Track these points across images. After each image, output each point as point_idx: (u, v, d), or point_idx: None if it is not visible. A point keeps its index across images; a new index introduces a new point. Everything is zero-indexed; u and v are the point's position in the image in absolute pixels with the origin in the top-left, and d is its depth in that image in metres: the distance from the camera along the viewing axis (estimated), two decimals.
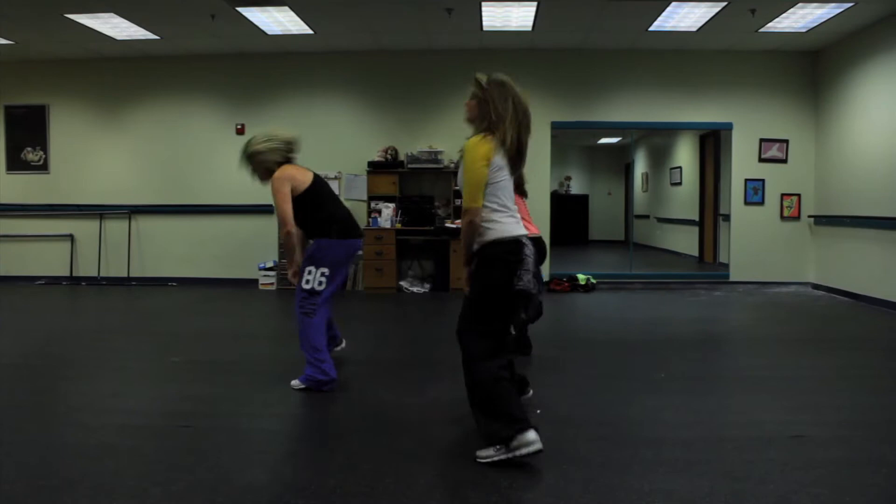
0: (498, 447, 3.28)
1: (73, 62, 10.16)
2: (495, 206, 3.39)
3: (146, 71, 10.16)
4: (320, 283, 4.59)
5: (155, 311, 8.10)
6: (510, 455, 3.23)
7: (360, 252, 4.66)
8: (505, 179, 3.42)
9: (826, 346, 6.12)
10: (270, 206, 10.00)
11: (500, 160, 3.37)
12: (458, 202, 9.67)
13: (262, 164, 4.67)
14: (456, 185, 5.87)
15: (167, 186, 10.27)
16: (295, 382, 4.66)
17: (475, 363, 3.37)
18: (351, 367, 5.06)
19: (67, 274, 10.33)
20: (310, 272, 4.59)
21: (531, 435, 3.22)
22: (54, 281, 10.28)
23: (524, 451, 3.21)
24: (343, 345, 5.19)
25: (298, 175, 4.62)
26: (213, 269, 10.19)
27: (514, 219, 3.46)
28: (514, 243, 3.38)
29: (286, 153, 4.70)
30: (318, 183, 4.71)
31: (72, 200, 10.32)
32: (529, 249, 3.42)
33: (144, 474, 3.13)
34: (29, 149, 10.36)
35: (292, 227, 4.53)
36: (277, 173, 4.59)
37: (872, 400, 4.40)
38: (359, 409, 4.27)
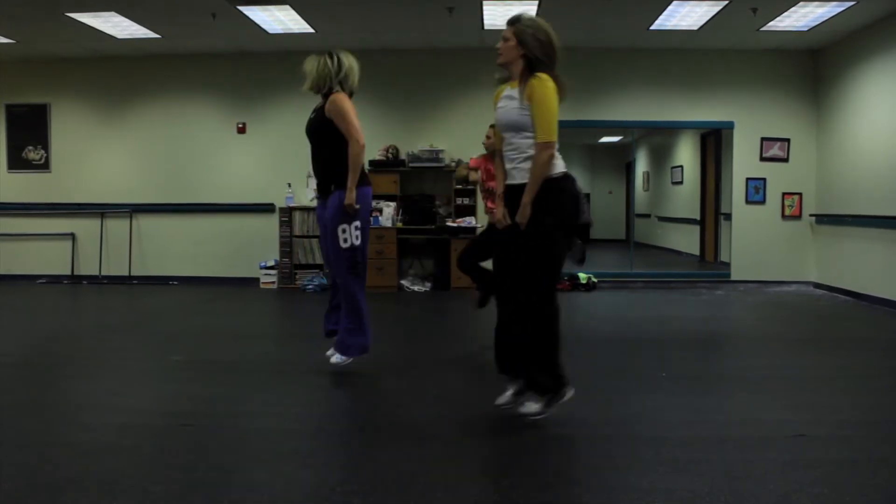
0: (547, 399, 3.64)
1: (74, 61, 10.17)
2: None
3: (147, 70, 10.16)
4: (357, 238, 4.57)
5: (156, 310, 8.10)
6: (557, 402, 3.65)
7: None
8: None
9: (827, 346, 6.12)
10: (271, 204, 10.03)
11: None
12: (458, 201, 9.67)
13: (341, 79, 4.66)
14: (466, 179, 5.92)
15: (168, 185, 10.27)
16: (337, 358, 4.67)
17: (548, 306, 3.63)
18: (351, 366, 5.04)
19: (68, 273, 10.34)
20: (344, 230, 4.54)
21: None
22: (55, 280, 10.29)
23: (566, 397, 3.67)
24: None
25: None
26: (215, 268, 10.20)
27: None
28: (572, 178, 3.63)
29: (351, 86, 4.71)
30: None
31: (73, 199, 10.33)
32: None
33: (145, 473, 3.12)
34: (30, 148, 10.36)
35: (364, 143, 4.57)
36: (343, 94, 4.61)
37: (873, 399, 4.39)
38: (359, 408, 4.27)
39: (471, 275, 5.83)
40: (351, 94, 4.72)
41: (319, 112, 4.70)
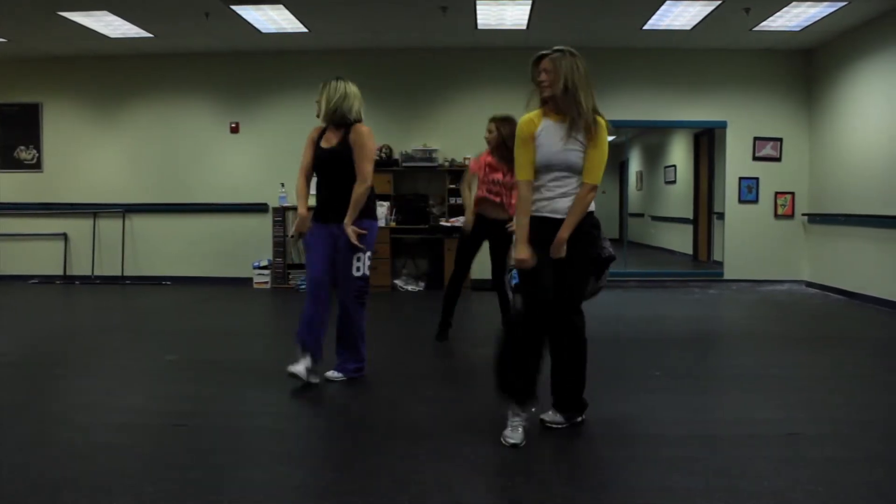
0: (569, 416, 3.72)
1: (67, 60, 10.12)
2: None
3: (140, 69, 10.13)
4: (369, 268, 4.68)
5: (149, 309, 8.08)
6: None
7: None
8: None
9: (820, 344, 6.14)
10: (265, 204, 10.01)
11: None
12: (452, 200, 9.66)
13: (350, 107, 4.59)
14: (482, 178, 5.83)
15: (161, 185, 10.24)
16: (334, 374, 4.71)
17: (584, 329, 3.74)
18: None
19: (61, 273, 10.29)
20: (359, 258, 4.60)
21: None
22: (48, 280, 10.24)
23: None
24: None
25: None
26: (208, 268, 10.17)
27: None
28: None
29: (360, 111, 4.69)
30: None
31: (65, 199, 10.29)
32: None
33: (140, 473, 3.11)
34: (22, 147, 10.32)
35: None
36: (367, 128, 4.60)
37: (867, 397, 4.42)
38: (353, 408, 4.27)
39: (450, 304, 5.94)
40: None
41: (342, 143, 4.61)
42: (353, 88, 4.62)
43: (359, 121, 4.64)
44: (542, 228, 3.54)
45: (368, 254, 4.65)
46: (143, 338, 6.38)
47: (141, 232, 10.29)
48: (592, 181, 3.52)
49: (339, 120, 4.61)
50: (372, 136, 4.63)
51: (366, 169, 4.56)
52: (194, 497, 2.87)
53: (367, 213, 4.64)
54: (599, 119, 3.51)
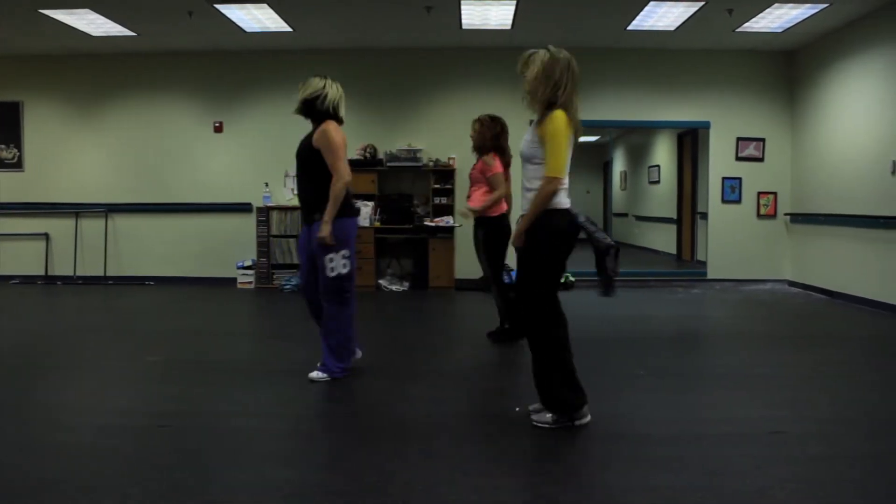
0: (557, 417, 3.65)
1: (49, 58, 10.04)
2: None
3: (123, 68, 10.06)
4: (345, 267, 4.56)
5: (132, 310, 8.02)
6: (570, 423, 3.64)
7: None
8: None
9: (803, 343, 6.19)
10: (248, 204, 9.97)
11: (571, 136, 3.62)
12: (437, 200, 9.68)
13: (321, 105, 4.55)
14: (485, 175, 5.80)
15: (144, 184, 10.17)
16: (318, 374, 4.66)
17: (532, 324, 3.73)
18: None
19: (42, 273, 10.20)
20: (331, 259, 4.52)
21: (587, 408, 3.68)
22: (29, 280, 10.15)
23: (584, 420, 3.67)
24: (359, 354, 5.09)
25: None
26: (191, 268, 10.12)
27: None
28: (571, 214, 3.68)
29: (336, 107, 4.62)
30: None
31: (47, 199, 10.20)
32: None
33: (123, 475, 3.09)
34: (2, 146, 10.22)
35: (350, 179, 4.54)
36: (334, 126, 4.53)
37: (849, 396, 4.46)
38: (339, 408, 4.26)
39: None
40: (341, 122, 4.68)
41: (308, 138, 4.60)
42: (322, 83, 4.59)
43: (331, 117, 4.58)
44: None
45: (343, 252, 4.56)
46: (125, 338, 6.34)
47: (124, 232, 10.22)
48: (546, 173, 3.55)
49: (305, 113, 4.61)
50: (338, 131, 4.53)
51: (336, 165, 4.47)
52: (179, 498, 2.85)
53: (340, 210, 4.53)
54: (553, 112, 3.56)
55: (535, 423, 3.71)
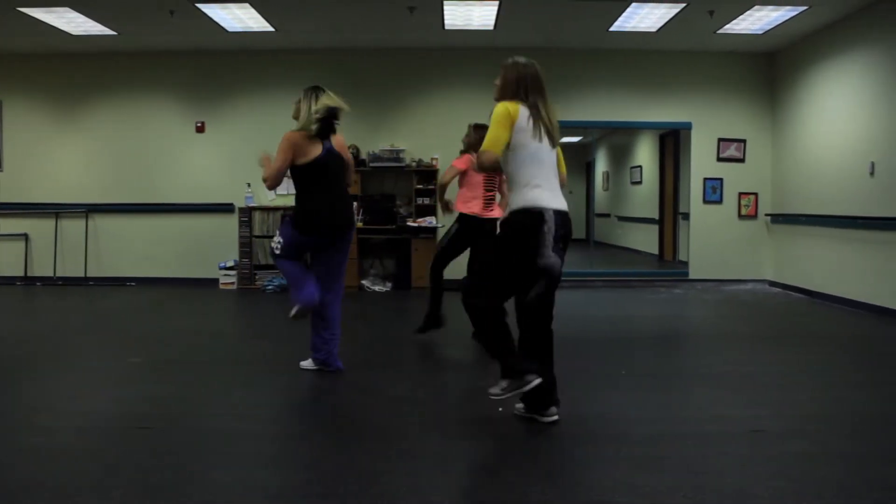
0: (506, 383, 3.62)
1: (27, 57, 9.94)
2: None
3: (103, 67, 9.98)
4: (277, 246, 4.78)
5: (113, 311, 7.96)
6: (519, 388, 3.61)
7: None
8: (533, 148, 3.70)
9: (783, 343, 6.24)
10: (230, 204, 9.93)
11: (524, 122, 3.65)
12: (420, 201, 9.68)
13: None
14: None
15: (125, 184, 10.10)
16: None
17: (475, 311, 3.74)
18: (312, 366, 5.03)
19: (22, 274, 10.11)
20: (273, 240, 4.87)
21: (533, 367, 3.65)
22: (8, 281, 10.04)
23: (532, 384, 3.59)
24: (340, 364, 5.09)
25: (306, 146, 4.63)
26: (173, 269, 10.05)
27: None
28: (533, 214, 3.66)
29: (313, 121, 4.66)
30: (320, 164, 4.69)
31: (26, 199, 10.09)
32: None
33: (102, 477, 3.07)
34: None
35: (272, 182, 4.65)
36: (289, 133, 4.64)
37: (829, 394, 4.50)
38: (321, 408, 4.25)
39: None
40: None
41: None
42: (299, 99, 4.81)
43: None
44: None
45: (279, 239, 4.81)
46: (106, 340, 6.29)
47: (104, 232, 10.14)
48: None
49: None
50: (285, 140, 4.64)
51: (269, 174, 4.68)
52: (160, 500, 2.83)
53: (294, 219, 4.80)
54: (498, 105, 3.70)
55: (491, 396, 3.68)
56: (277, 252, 4.79)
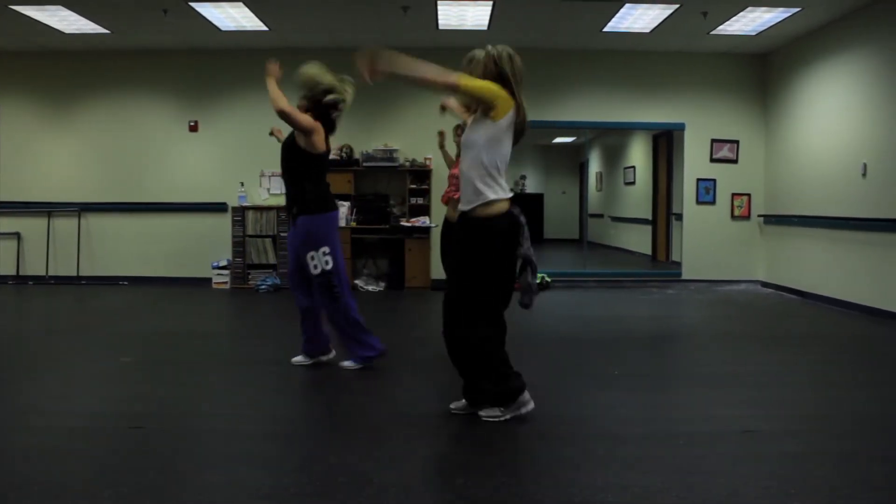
0: (503, 408, 3.76)
1: (20, 55, 9.90)
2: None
3: (96, 65, 9.95)
4: (328, 263, 4.66)
5: (105, 310, 7.94)
6: (515, 413, 3.76)
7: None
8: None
9: (775, 343, 6.25)
10: (224, 203, 9.91)
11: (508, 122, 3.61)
12: (413, 200, 9.68)
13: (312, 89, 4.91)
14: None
15: (118, 183, 10.07)
16: (348, 364, 4.89)
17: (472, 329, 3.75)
18: (305, 367, 5.02)
19: (14, 273, 10.07)
20: (312, 257, 4.66)
21: (527, 395, 3.78)
22: (0, 280, 10.01)
23: (526, 409, 3.76)
24: (332, 354, 5.16)
25: (323, 135, 4.76)
26: (166, 268, 10.03)
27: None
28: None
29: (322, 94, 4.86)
30: (327, 155, 4.89)
31: (18, 198, 10.06)
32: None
33: (94, 477, 3.06)
34: None
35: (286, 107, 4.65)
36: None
37: (820, 394, 4.51)
38: (313, 409, 4.25)
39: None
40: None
41: (290, 136, 4.86)
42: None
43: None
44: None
45: (323, 249, 4.68)
46: (98, 339, 6.27)
47: (97, 231, 10.11)
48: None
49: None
50: (308, 119, 4.83)
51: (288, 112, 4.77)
52: (151, 500, 2.83)
53: (317, 205, 4.74)
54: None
55: (484, 419, 3.79)
56: (328, 266, 4.66)
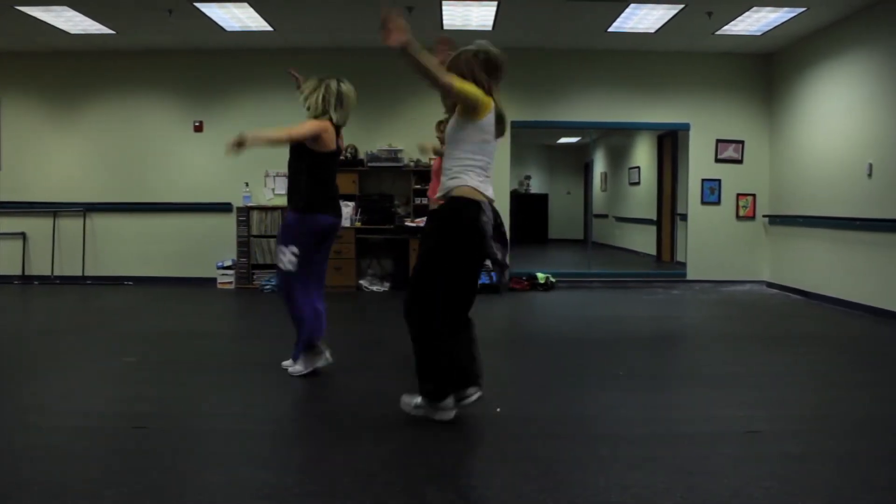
0: (422, 402, 3.79)
1: (25, 56, 9.94)
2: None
3: (101, 66, 9.98)
4: (290, 263, 4.64)
5: (110, 310, 7.96)
6: (429, 415, 3.77)
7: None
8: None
9: (779, 344, 6.24)
10: (228, 203, 9.93)
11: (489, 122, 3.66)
12: (417, 200, 9.68)
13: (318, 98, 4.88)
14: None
15: (123, 184, 10.09)
16: (287, 363, 4.86)
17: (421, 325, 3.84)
18: None
19: (19, 273, 10.10)
20: (281, 251, 4.69)
21: (451, 402, 3.74)
22: (6, 280, 10.04)
23: (441, 416, 3.75)
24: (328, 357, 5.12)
25: (332, 135, 4.83)
26: (171, 268, 10.05)
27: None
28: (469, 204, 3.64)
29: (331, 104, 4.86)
30: (335, 155, 4.98)
31: (24, 198, 10.09)
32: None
33: (97, 477, 3.06)
34: None
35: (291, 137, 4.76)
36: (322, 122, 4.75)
37: (823, 395, 4.50)
38: (316, 408, 4.25)
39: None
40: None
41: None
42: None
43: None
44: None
45: (291, 248, 4.67)
46: (102, 339, 6.28)
47: (102, 231, 10.14)
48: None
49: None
50: (316, 124, 4.85)
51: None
52: (152, 500, 2.83)
53: (306, 204, 4.77)
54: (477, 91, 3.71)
55: (402, 406, 3.90)
56: (289, 266, 4.64)
